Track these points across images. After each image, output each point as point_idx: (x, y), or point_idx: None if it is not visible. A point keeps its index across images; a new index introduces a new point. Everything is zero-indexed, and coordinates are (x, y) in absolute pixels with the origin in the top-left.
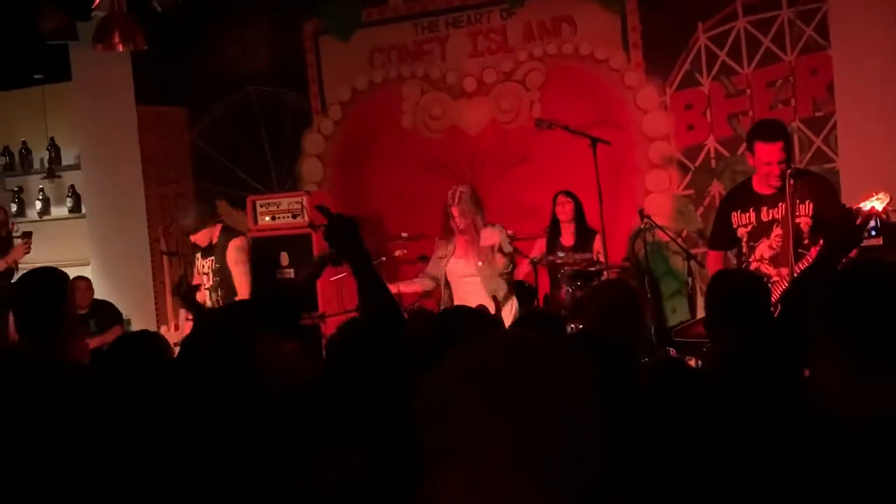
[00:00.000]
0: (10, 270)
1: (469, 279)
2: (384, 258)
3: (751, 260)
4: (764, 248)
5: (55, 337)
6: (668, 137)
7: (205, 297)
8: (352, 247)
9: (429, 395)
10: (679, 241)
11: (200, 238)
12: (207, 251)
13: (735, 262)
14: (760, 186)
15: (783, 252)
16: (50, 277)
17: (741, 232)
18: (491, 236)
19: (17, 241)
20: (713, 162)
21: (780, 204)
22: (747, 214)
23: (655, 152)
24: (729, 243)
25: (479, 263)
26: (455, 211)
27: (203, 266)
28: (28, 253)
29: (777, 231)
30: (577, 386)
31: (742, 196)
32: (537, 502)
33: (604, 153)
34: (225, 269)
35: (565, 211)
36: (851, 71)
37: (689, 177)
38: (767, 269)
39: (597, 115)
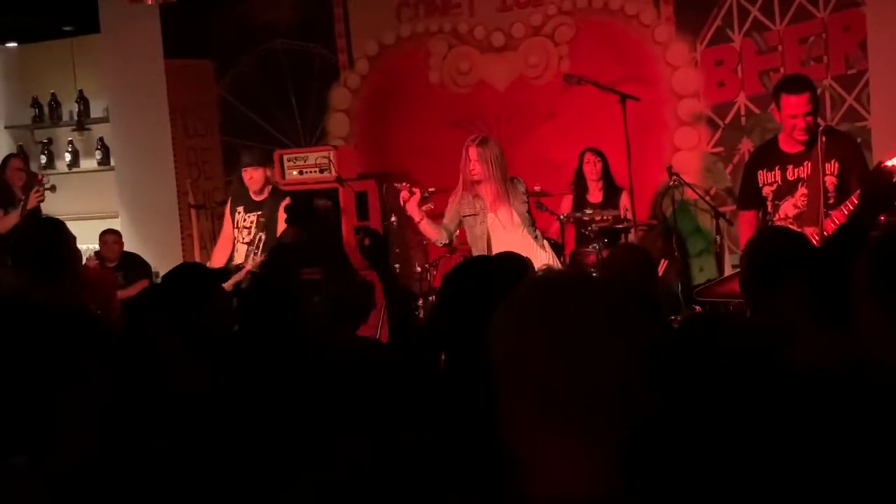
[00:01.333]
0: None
1: (514, 231)
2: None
3: (775, 219)
4: (788, 207)
5: (54, 280)
6: (698, 94)
7: (240, 254)
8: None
9: (499, 329)
10: (707, 198)
11: (256, 178)
12: (253, 205)
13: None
14: (787, 144)
15: (809, 211)
16: (47, 224)
17: (766, 191)
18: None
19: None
20: (743, 119)
21: (805, 162)
22: (773, 173)
23: (685, 109)
24: (757, 202)
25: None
26: (473, 153)
27: (245, 220)
28: (42, 201)
29: (802, 190)
30: (639, 327)
31: (768, 154)
32: (597, 435)
33: (632, 110)
34: (272, 228)
35: (595, 170)
36: (885, 28)
37: (718, 134)
38: (792, 227)
39: (626, 71)
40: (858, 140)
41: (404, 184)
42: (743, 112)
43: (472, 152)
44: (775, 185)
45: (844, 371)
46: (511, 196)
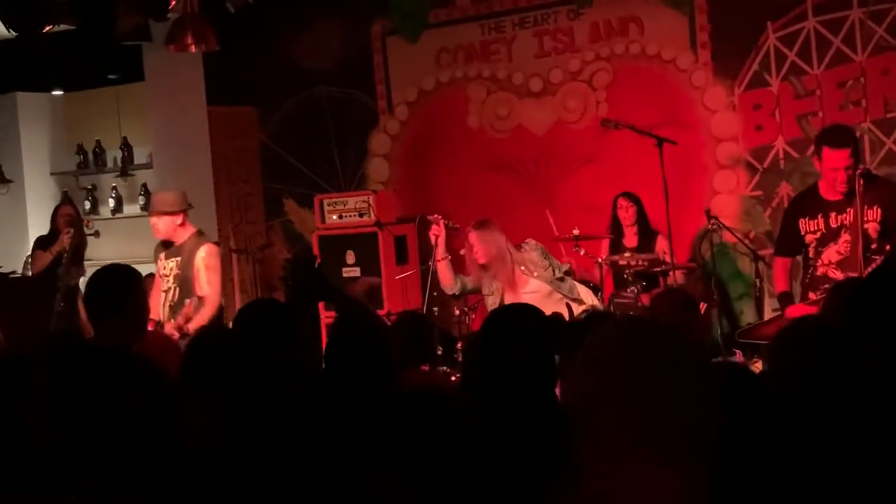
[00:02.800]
0: (61, 259)
1: (540, 299)
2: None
3: (817, 264)
4: (832, 253)
5: (122, 327)
6: (736, 138)
7: (159, 300)
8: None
9: (575, 381)
10: (746, 242)
11: (164, 226)
12: (172, 251)
13: (801, 268)
14: (827, 192)
15: (852, 256)
16: (120, 271)
17: (809, 238)
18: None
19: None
20: (782, 163)
21: (848, 209)
22: (815, 221)
23: (723, 152)
24: (796, 250)
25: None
26: (473, 237)
27: (165, 267)
28: (70, 241)
29: (845, 237)
30: (700, 369)
31: (809, 202)
32: (673, 477)
33: (670, 153)
34: (188, 275)
35: (628, 215)
36: None
37: (757, 177)
38: (835, 273)
39: (663, 116)
40: None
41: (437, 216)
42: (781, 156)
43: (473, 237)
44: (819, 234)
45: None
46: (526, 269)
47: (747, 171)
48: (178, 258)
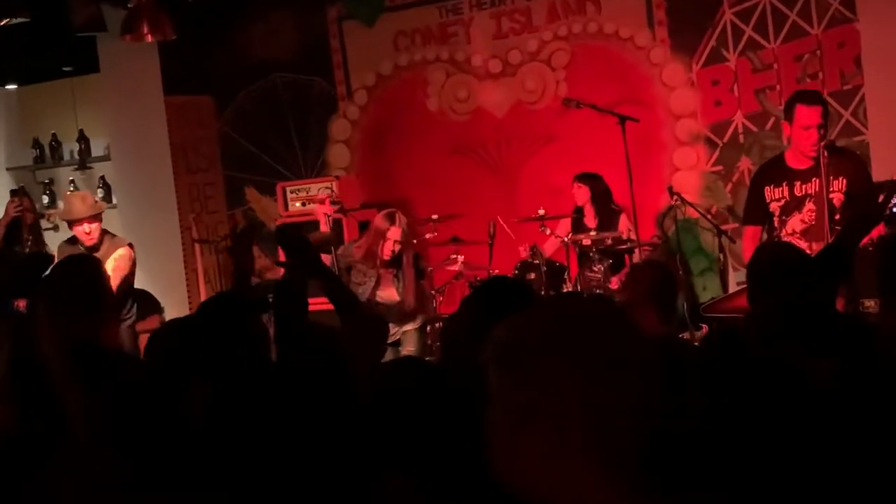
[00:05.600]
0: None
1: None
2: (414, 241)
3: (782, 234)
4: (796, 222)
5: (96, 323)
6: (695, 114)
7: None
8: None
9: (507, 349)
10: (709, 217)
11: (89, 231)
12: (89, 251)
13: (766, 237)
14: (794, 161)
15: (816, 226)
16: (87, 264)
17: (773, 206)
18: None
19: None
20: (741, 137)
21: (813, 179)
22: (780, 189)
23: (683, 129)
24: (763, 218)
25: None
26: (395, 233)
27: None
28: (19, 213)
29: (810, 206)
30: (649, 350)
31: (775, 170)
32: (594, 458)
33: (630, 131)
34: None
35: (579, 195)
36: (879, 43)
37: (717, 153)
38: (799, 242)
39: (623, 94)
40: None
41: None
42: (741, 130)
43: (395, 233)
44: (783, 201)
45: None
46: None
47: (707, 146)
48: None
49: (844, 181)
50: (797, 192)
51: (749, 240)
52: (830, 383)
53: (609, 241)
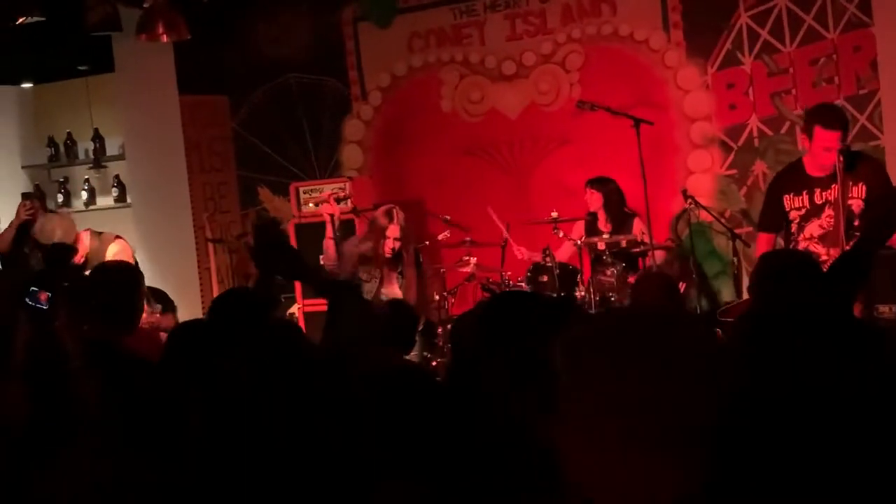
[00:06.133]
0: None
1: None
2: (427, 242)
3: (799, 239)
4: (814, 227)
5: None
6: (710, 117)
7: None
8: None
9: (566, 353)
10: (722, 221)
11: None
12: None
13: (783, 243)
14: (812, 169)
15: (834, 232)
16: (128, 272)
17: (794, 215)
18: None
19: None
20: (756, 141)
21: (832, 185)
22: (800, 198)
23: (697, 132)
24: (780, 225)
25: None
26: (394, 231)
27: None
28: (31, 216)
29: (828, 212)
30: (701, 356)
31: (794, 178)
32: (650, 465)
33: (645, 134)
34: None
35: (592, 201)
36: (895, 47)
37: (731, 156)
38: (817, 248)
39: (637, 96)
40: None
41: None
42: (756, 134)
43: (394, 230)
44: (803, 210)
45: None
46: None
47: (722, 150)
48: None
49: (864, 188)
50: (817, 200)
51: (763, 246)
52: (832, 387)
53: (623, 245)
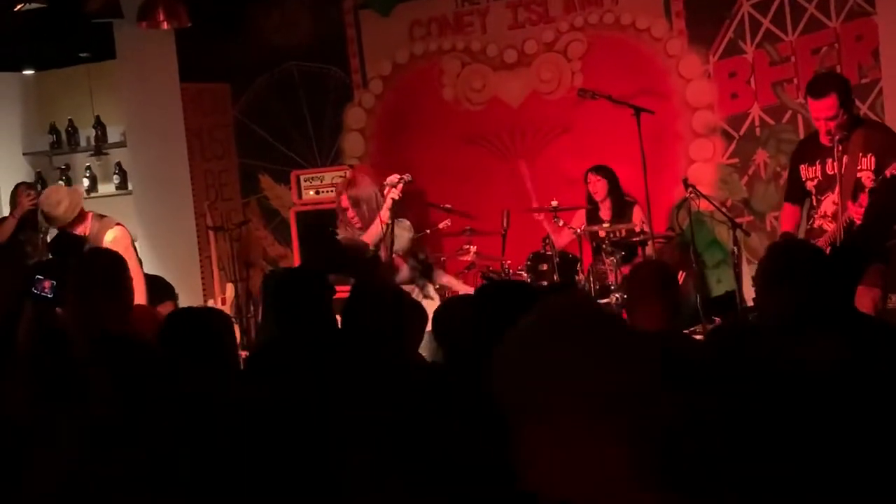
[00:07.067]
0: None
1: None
2: (428, 231)
3: (815, 215)
4: (828, 204)
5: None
6: (712, 106)
7: None
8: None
9: (506, 358)
10: (723, 210)
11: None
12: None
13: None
14: (825, 138)
15: (841, 208)
16: (114, 258)
17: (809, 185)
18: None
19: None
20: (758, 130)
21: (843, 158)
22: (814, 168)
23: (699, 121)
24: (802, 196)
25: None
26: (345, 201)
27: None
28: (34, 206)
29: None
30: (641, 345)
31: (809, 148)
32: (612, 451)
33: (646, 123)
34: None
35: (597, 189)
36: None
37: (733, 145)
38: (829, 225)
39: (639, 85)
40: None
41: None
42: (757, 123)
43: (344, 201)
44: (816, 180)
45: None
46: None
47: (723, 139)
48: None
49: (873, 158)
50: (829, 171)
51: (785, 217)
52: (834, 380)
53: (622, 233)
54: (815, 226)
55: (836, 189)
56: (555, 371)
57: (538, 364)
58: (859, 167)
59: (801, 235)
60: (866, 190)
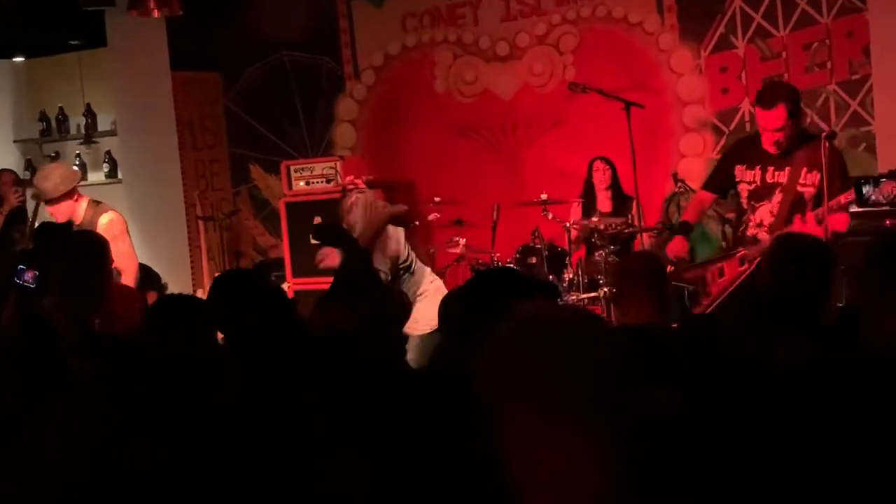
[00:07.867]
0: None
1: None
2: (417, 223)
3: (749, 222)
4: (765, 213)
5: (101, 301)
6: (703, 101)
7: None
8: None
9: (488, 364)
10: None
11: (62, 210)
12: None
13: (731, 215)
14: (770, 146)
15: (778, 219)
16: (95, 241)
17: (743, 188)
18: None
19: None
20: (748, 125)
21: (786, 168)
22: (753, 172)
23: (689, 116)
24: (723, 191)
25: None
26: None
27: None
28: (21, 201)
29: (779, 196)
30: (614, 344)
31: (751, 151)
32: (594, 450)
33: (637, 117)
34: None
35: (604, 178)
36: (888, 33)
37: (723, 140)
38: (763, 235)
39: (630, 79)
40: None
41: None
42: (747, 118)
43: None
44: (753, 186)
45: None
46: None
47: (714, 133)
48: None
49: (818, 175)
50: (769, 179)
51: (697, 203)
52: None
53: (615, 227)
54: (749, 234)
55: (774, 198)
56: (527, 378)
57: (511, 372)
58: (803, 182)
59: (731, 239)
60: (809, 206)
